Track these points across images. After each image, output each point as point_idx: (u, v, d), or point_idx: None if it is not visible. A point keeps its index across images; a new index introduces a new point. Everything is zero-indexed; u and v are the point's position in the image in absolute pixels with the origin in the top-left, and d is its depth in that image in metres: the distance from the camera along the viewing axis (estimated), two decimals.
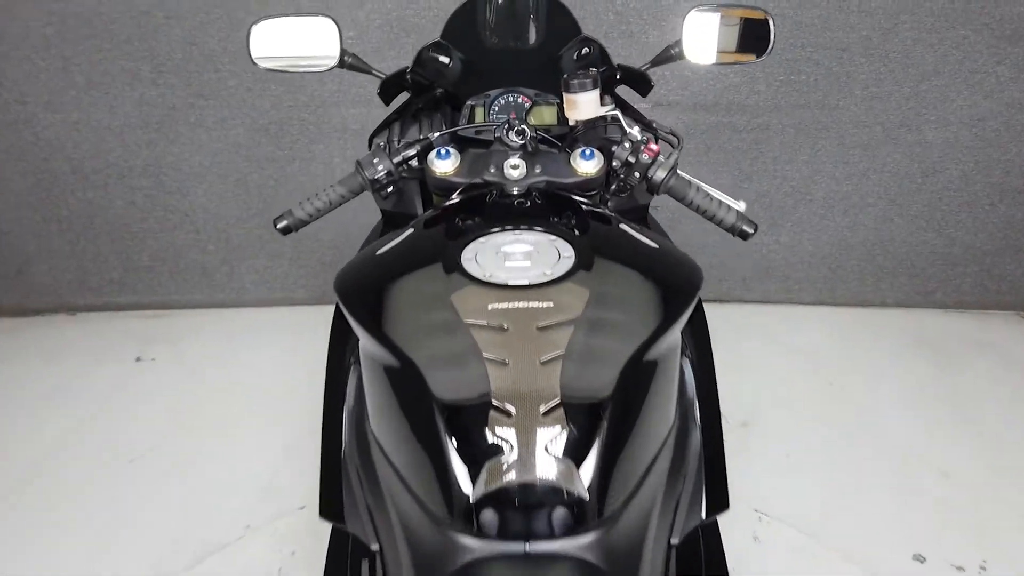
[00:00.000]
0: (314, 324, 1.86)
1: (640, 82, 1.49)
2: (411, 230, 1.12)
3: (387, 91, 1.47)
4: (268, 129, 2.80)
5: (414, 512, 0.84)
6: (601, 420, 0.78)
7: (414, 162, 1.39)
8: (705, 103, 2.74)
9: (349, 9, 2.59)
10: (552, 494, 0.75)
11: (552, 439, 0.76)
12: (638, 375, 0.84)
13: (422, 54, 1.43)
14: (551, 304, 0.86)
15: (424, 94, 1.52)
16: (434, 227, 1.12)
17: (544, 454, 0.76)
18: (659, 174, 1.33)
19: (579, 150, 1.33)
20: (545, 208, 1.21)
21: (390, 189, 1.37)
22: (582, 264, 0.94)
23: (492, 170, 1.31)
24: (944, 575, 1.98)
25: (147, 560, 2.02)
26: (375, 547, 0.93)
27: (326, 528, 1.13)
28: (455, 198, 1.26)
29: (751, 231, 1.34)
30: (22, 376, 2.78)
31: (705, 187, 1.39)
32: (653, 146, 1.36)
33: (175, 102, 2.77)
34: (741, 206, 1.39)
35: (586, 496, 0.76)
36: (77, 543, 2.08)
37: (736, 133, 2.80)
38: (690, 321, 1.22)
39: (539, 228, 1.03)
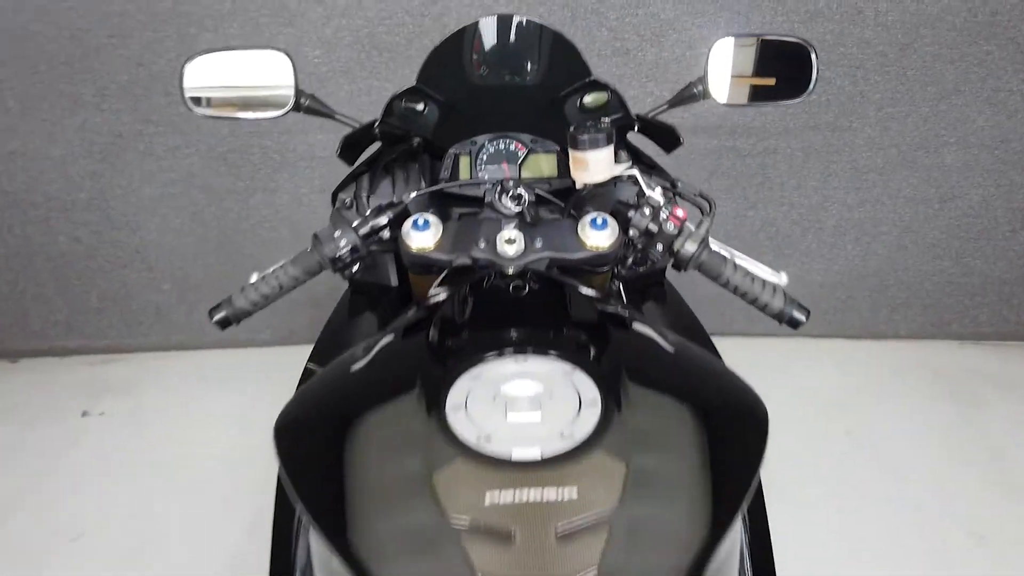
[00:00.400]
0: (282, 367, 1.61)
1: (663, 136, 1.24)
2: (380, 349, 0.86)
3: (351, 149, 1.21)
4: (226, 158, 2.53)
5: None
6: None
7: (385, 232, 1.14)
8: (707, 125, 2.51)
9: (314, 26, 2.33)
10: None
11: None
12: None
13: (393, 104, 1.17)
14: (574, 494, 0.61)
15: (398, 144, 1.27)
16: (410, 344, 0.87)
17: None
18: (687, 248, 1.09)
19: (588, 217, 1.08)
20: (551, 307, 0.97)
21: (355, 268, 1.12)
22: (612, 416, 0.69)
23: (482, 245, 1.06)
24: None
25: None
26: None
27: None
28: (437, 293, 1.01)
29: (803, 318, 1.10)
30: None
31: (740, 257, 1.15)
32: (679, 212, 1.12)
33: (121, 129, 2.49)
34: (783, 280, 1.15)
35: None
36: None
37: (741, 157, 2.57)
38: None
39: (550, 353, 0.78)
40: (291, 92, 1.21)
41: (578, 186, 1.15)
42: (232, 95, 1.23)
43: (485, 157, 1.30)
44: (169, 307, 2.81)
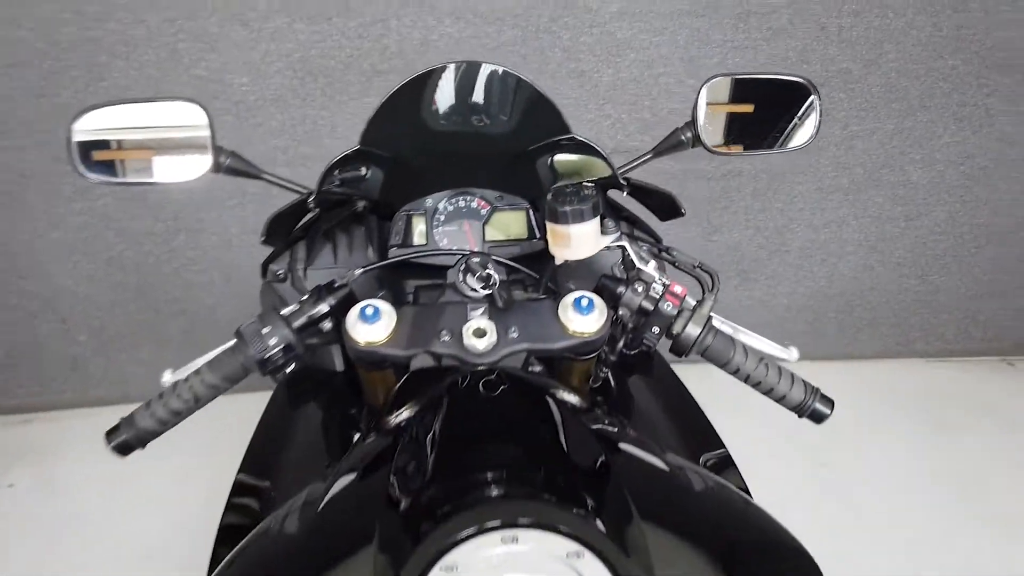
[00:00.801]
0: (219, 421, 1.39)
1: (658, 202, 1.08)
2: (330, 506, 0.68)
3: (279, 230, 1.02)
4: (144, 197, 2.28)
5: None
6: None
7: (327, 323, 0.95)
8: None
9: (240, 51, 2.11)
10: None
11: None
12: None
13: (331, 174, 0.98)
14: None
15: (338, 209, 1.07)
16: (368, 503, 0.69)
17: None
18: (689, 331, 0.93)
19: (571, 297, 0.91)
20: (535, 429, 0.79)
21: (291, 368, 0.93)
22: None
23: (445, 337, 0.88)
24: None
25: None
26: None
27: None
28: (398, 415, 0.83)
29: (827, 411, 0.95)
30: None
31: (744, 333, 0.99)
32: (677, 289, 0.96)
33: (25, 168, 2.22)
34: (794, 355, 1.01)
35: None
36: None
37: (704, 181, 2.44)
38: None
39: (548, 528, 0.60)
40: (208, 151, 1.00)
41: (557, 262, 0.97)
42: (135, 156, 1.02)
43: (443, 217, 1.12)
44: (86, 360, 2.54)
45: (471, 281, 0.96)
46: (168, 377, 0.95)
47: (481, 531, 0.58)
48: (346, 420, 1.19)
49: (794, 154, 2.52)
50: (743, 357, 0.95)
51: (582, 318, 0.90)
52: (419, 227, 1.11)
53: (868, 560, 2.04)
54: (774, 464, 2.35)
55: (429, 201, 1.11)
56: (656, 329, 0.95)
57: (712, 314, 0.96)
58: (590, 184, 0.94)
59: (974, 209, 2.57)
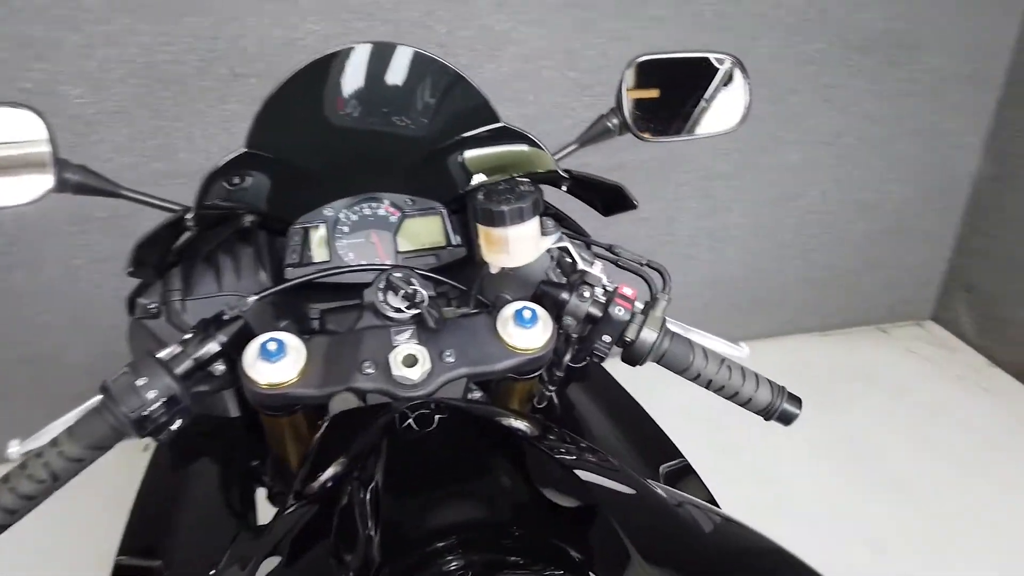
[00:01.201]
0: (86, 490, 1.16)
1: (602, 197, 0.98)
2: None
3: (148, 257, 0.84)
4: None
5: None
6: None
7: (219, 365, 0.78)
8: (551, 144, 2.29)
9: (72, 60, 1.84)
10: None
11: None
12: None
13: (213, 186, 0.81)
14: None
15: (221, 227, 0.91)
16: None
17: None
18: (645, 336, 0.84)
19: (511, 310, 0.81)
20: (497, 475, 0.67)
21: (176, 424, 0.76)
22: None
23: (370, 370, 0.75)
24: None
25: None
26: None
27: None
28: (323, 477, 0.68)
29: (797, 411, 0.88)
30: None
31: (695, 333, 0.91)
32: (626, 291, 0.86)
33: None
34: (744, 351, 0.94)
35: None
36: None
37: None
38: None
39: None
40: (48, 167, 0.81)
41: (493, 270, 0.85)
42: None
43: (347, 228, 0.97)
44: None
45: (393, 300, 0.82)
46: (15, 449, 0.76)
47: None
48: (247, 477, 1.02)
49: (678, 145, 2.50)
50: (703, 361, 0.86)
51: (525, 332, 0.80)
52: (319, 242, 0.95)
53: (777, 530, 2.04)
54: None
55: (328, 211, 0.96)
56: (607, 338, 0.85)
57: (669, 319, 0.87)
58: (525, 182, 0.83)
59: (845, 186, 2.66)
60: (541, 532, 0.60)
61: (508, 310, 0.81)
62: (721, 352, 0.90)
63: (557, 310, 0.85)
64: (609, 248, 0.92)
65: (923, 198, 2.77)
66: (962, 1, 2.43)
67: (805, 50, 2.36)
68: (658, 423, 1.10)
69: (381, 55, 0.81)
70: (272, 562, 0.61)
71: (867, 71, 2.45)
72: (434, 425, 0.72)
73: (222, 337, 0.77)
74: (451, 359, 0.78)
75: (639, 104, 0.97)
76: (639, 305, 0.86)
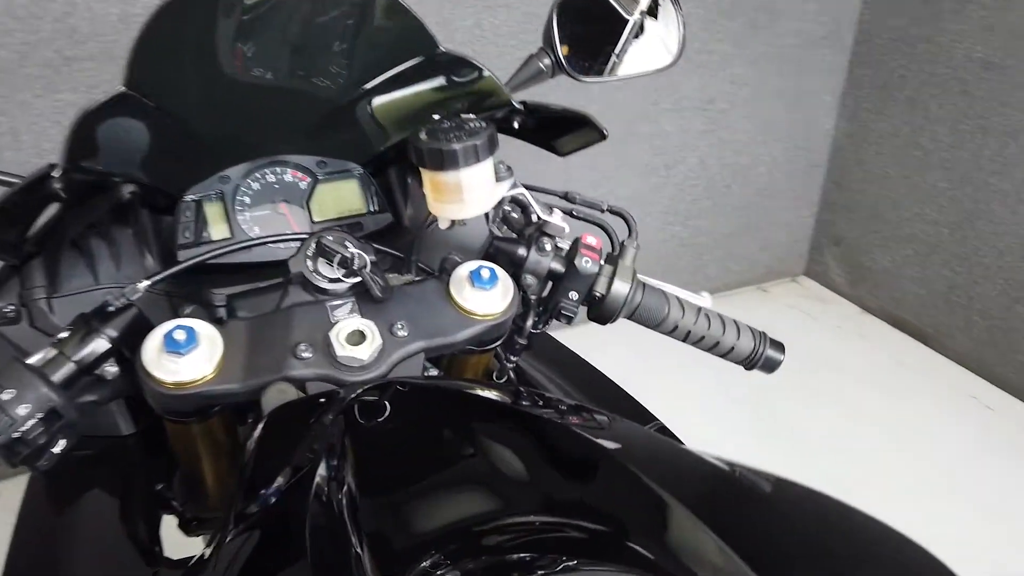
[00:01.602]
0: None
1: (560, 132, 0.88)
2: None
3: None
4: None
5: None
6: None
7: (109, 367, 0.65)
8: None
9: None
10: None
11: None
12: None
13: (85, 130, 0.65)
14: None
15: (93, 200, 0.73)
16: None
17: None
18: (617, 289, 0.75)
19: (466, 270, 0.70)
20: (508, 456, 0.57)
21: (60, 447, 0.61)
22: None
23: (306, 353, 0.63)
24: None
25: None
26: None
27: None
28: (268, 492, 0.55)
29: (780, 356, 0.82)
30: None
31: (664, 286, 0.83)
32: (590, 240, 0.77)
33: None
34: (707, 301, 0.87)
35: None
36: None
37: None
38: None
39: None
40: None
41: (442, 225, 0.74)
42: None
43: (248, 199, 0.82)
44: None
45: (326, 269, 0.69)
46: None
47: None
48: (150, 504, 0.85)
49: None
50: (679, 312, 0.79)
51: (484, 295, 0.69)
52: (215, 216, 0.80)
53: None
54: None
55: (224, 180, 0.80)
56: (574, 294, 0.76)
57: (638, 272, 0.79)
58: (471, 117, 0.72)
59: (719, 151, 2.71)
60: (558, 507, 0.51)
61: (462, 271, 0.70)
62: (688, 300, 0.83)
63: (514, 268, 0.75)
64: (564, 195, 0.82)
65: (789, 158, 2.86)
66: None
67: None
68: (624, 388, 1.02)
69: None
70: None
71: (732, 35, 2.49)
72: (388, 411, 0.60)
73: (111, 331, 0.63)
74: (403, 332, 0.66)
75: (572, 41, 0.88)
76: (601, 260, 0.78)
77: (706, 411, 2.34)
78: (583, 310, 0.79)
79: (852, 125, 2.81)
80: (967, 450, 2.24)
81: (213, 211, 0.79)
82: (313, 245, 0.69)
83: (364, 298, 0.68)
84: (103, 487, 0.84)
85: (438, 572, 0.44)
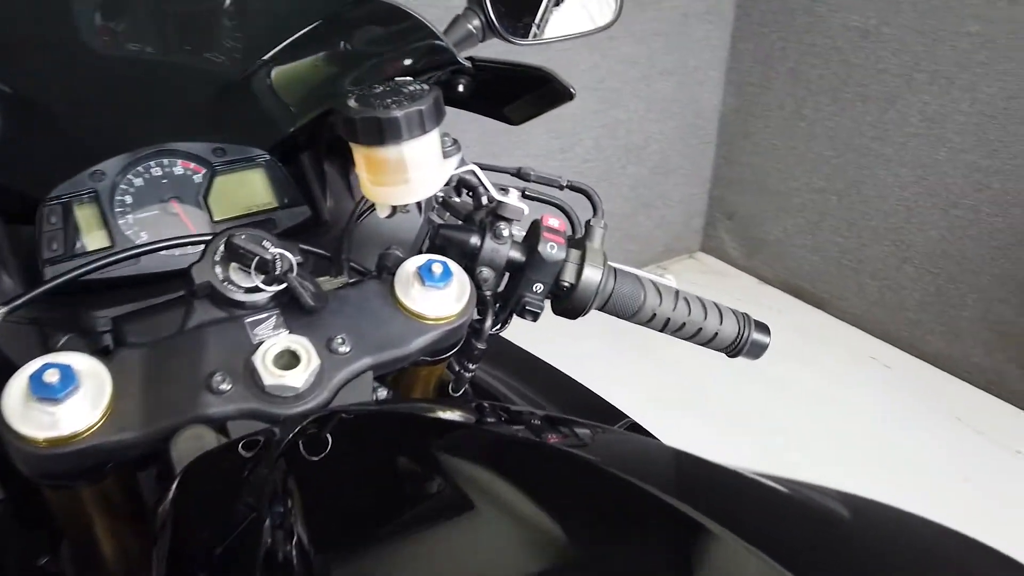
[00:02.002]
0: None
1: (512, 94, 0.77)
2: None
3: None
4: None
5: None
6: None
7: None
8: None
9: None
10: None
11: None
12: None
13: None
14: None
15: None
16: None
17: None
18: (589, 276, 0.66)
19: (413, 266, 0.59)
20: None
21: None
22: None
23: (224, 385, 0.51)
24: None
25: None
26: None
27: None
28: (201, 567, 0.43)
29: (767, 340, 0.75)
30: None
31: (633, 270, 0.75)
32: (552, 222, 0.68)
33: None
34: (672, 282, 0.79)
35: None
36: None
37: None
38: None
39: None
40: None
41: (381, 213, 0.62)
42: None
43: (130, 198, 0.67)
44: None
45: (240, 277, 0.55)
46: None
47: None
48: None
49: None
50: (656, 298, 0.70)
51: (437, 294, 0.58)
52: (89, 221, 0.64)
53: None
54: None
55: (97, 176, 0.65)
56: (539, 286, 0.66)
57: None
58: (413, 82, 0.60)
59: (613, 131, 2.68)
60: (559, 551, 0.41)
61: (408, 268, 0.58)
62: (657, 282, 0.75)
63: (467, 261, 0.64)
64: (517, 172, 0.72)
65: (681, 136, 2.87)
66: None
67: None
68: (585, 385, 0.93)
69: None
70: None
71: (622, 16, 2.45)
72: (330, 446, 0.48)
73: None
74: (345, 348, 0.55)
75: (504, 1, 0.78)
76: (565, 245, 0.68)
77: (622, 390, 2.30)
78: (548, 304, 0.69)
79: (738, 100, 2.85)
80: (872, 410, 2.31)
81: (86, 215, 0.64)
82: (221, 247, 0.56)
83: (291, 309, 0.56)
84: None
85: None
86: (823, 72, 2.55)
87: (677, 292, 0.71)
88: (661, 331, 0.72)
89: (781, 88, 2.68)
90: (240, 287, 0.55)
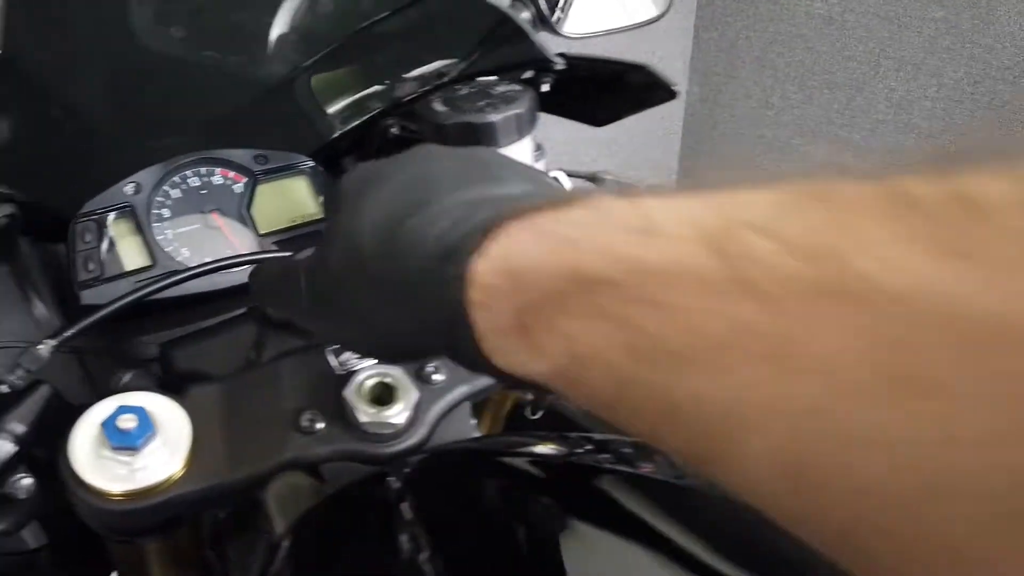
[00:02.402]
0: None
1: (607, 91, 0.71)
2: None
3: None
4: None
5: None
6: None
7: (24, 479, 0.44)
8: None
9: None
10: None
11: None
12: None
13: None
14: None
15: None
16: None
17: None
18: None
19: None
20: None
21: None
22: None
23: (317, 424, 0.47)
24: None
25: None
26: None
27: None
28: None
29: None
30: None
31: None
32: None
33: None
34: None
35: None
36: None
37: None
38: None
39: None
40: None
41: None
42: None
43: (167, 211, 0.59)
44: None
45: None
46: None
47: None
48: None
49: None
50: None
51: None
52: (126, 238, 0.57)
53: None
54: None
55: (131, 187, 0.58)
56: None
57: None
58: (490, 79, 0.54)
59: (579, 125, 2.63)
60: None
61: None
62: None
63: None
64: (592, 177, 0.67)
65: (647, 128, 2.84)
66: None
67: None
68: None
69: None
70: None
71: None
72: (443, 489, 0.44)
73: (16, 426, 0.43)
74: (439, 377, 0.49)
75: None
76: None
77: None
78: None
79: (704, 89, 2.84)
80: None
81: (122, 231, 0.57)
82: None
83: None
84: None
85: None
86: (789, 60, 2.55)
87: None
88: None
89: (748, 77, 2.68)
90: None
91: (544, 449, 0.53)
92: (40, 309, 0.56)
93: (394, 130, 0.62)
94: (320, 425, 0.45)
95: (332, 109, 0.64)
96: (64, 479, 0.42)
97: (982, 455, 0.16)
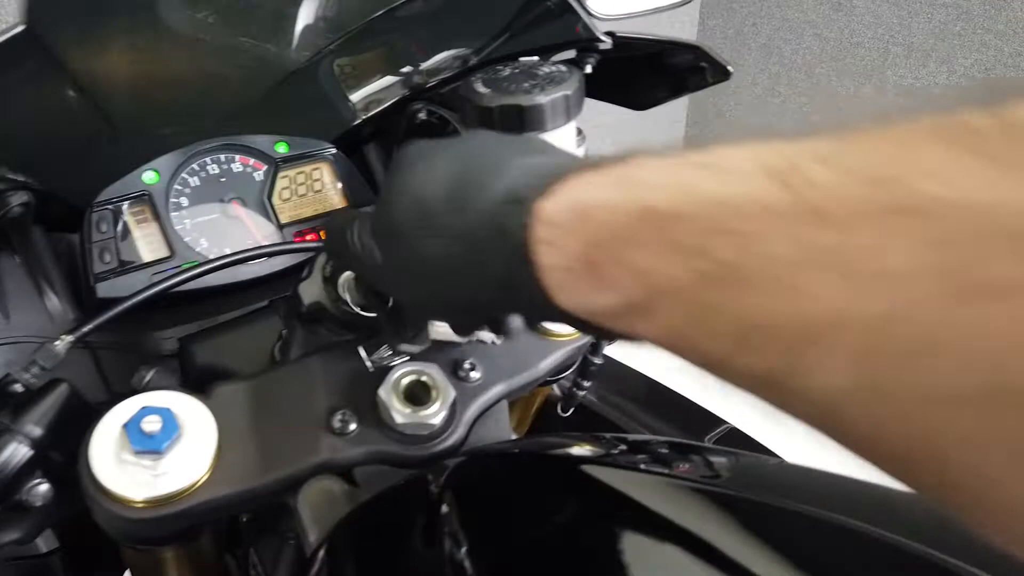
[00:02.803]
0: None
1: (656, 72, 0.69)
2: None
3: None
4: None
5: None
6: None
7: (40, 485, 0.42)
8: None
9: None
10: None
11: None
12: None
13: None
14: None
15: None
16: None
17: None
18: None
19: None
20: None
21: None
22: None
23: (350, 424, 0.44)
24: None
25: None
26: None
27: None
28: None
29: None
30: None
31: None
32: None
33: None
34: None
35: None
36: None
37: None
38: None
39: None
40: None
41: None
42: None
43: (185, 200, 0.57)
44: None
45: (348, 296, 0.47)
46: None
47: None
48: None
49: None
50: None
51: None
52: (142, 227, 0.55)
53: None
54: None
55: (148, 175, 0.55)
56: None
57: None
58: (532, 59, 0.52)
59: (585, 113, 2.60)
60: None
61: None
62: None
63: None
64: None
65: (649, 115, 2.81)
66: None
67: None
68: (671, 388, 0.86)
69: None
70: None
71: None
72: (483, 492, 0.42)
73: (31, 428, 0.41)
74: (476, 375, 0.46)
75: None
76: None
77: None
78: None
79: None
80: None
81: (138, 220, 0.54)
82: (323, 260, 0.47)
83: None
84: None
85: None
86: (796, 47, 2.52)
87: None
88: None
89: (754, 64, 2.65)
90: (353, 306, 0.46)
91: (580, 451, 0.50)
92: (54, 302, 0.54)
93: (421, 115, 0.59)
94: (353, 426, 0.42)
95: (355, 95, 0.61)
96: (83, 484, 0.39)
97: None
